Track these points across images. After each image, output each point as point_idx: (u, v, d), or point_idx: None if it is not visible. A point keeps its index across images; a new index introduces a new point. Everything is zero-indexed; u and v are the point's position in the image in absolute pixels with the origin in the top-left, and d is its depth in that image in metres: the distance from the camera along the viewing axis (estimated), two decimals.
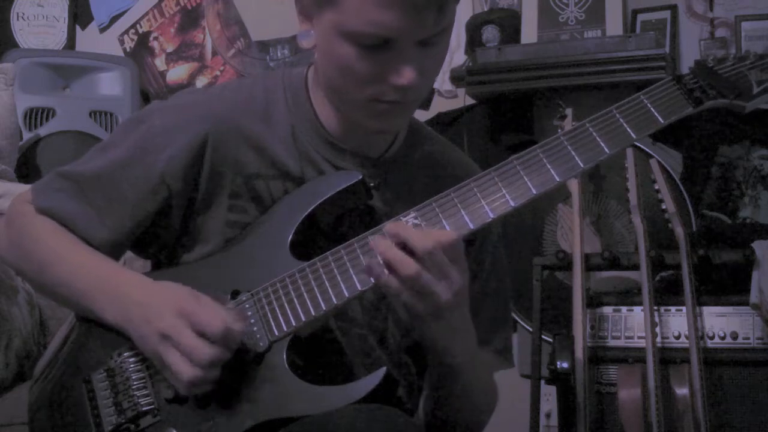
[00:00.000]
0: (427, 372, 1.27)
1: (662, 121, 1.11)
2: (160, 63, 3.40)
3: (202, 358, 1.06)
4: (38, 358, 1.61)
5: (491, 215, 1.09)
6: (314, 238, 1.19)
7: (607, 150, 1.10)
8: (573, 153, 1.10)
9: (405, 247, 1.05)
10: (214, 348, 1.06)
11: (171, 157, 1.20)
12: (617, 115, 1.12)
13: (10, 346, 1.86)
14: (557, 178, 1.09)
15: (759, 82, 1.11)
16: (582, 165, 1.10)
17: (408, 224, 1.10)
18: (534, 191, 1.09)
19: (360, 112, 1.17)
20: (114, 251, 1.24)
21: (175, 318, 1.08)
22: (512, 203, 1.09)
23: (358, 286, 1.10)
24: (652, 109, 1.11)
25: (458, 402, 1.25)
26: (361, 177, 1.18)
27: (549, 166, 1.10)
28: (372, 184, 1.20)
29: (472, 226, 1.09)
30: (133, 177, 1.21)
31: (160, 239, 1.26)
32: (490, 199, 1.10)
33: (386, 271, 1.05)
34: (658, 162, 2.12)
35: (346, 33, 1.08)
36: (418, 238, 1.04)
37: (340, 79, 1.14)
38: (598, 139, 1.11)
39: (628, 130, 1.11)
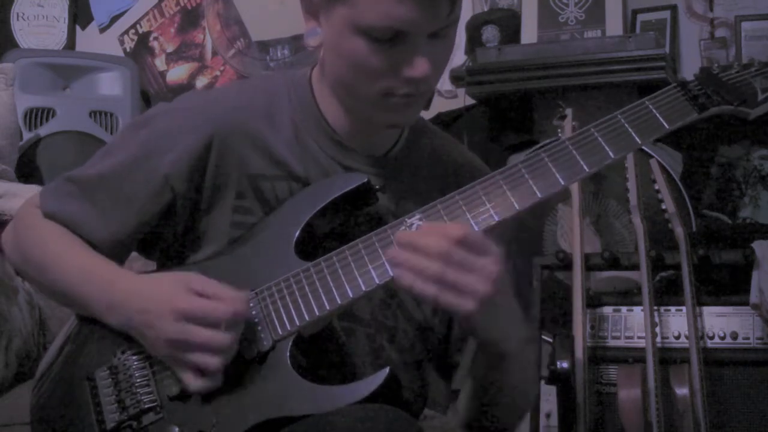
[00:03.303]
0: (472, 367, 1.26)
1: (667, 127, 1.11)
2: (160, 63, 3.41)
3: (222, 344, 1.08)
4: (38, 358, 1.60)
5: (496, 218, 1.10)
6: (319, 239, 1.19)
7: (612, 155, 1.11)
8: (578, 157, 1.11)
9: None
10: (228, 332, 1.08)
11: (175, 159, 1.20)
12: (622, 120, 1.12)
13: (10, 346, 1.86)
14: (562, 182, 1.10)
15: (764, 89, 1.12)
16: (587, 169, 1.11)
17: (413, 227, 1.10)
18: (539, 195, 1.10)
19: (372, 107, 1.17)
20: (117, 251, 1.24)
21: (177, 323, 1.09)
22: (517, 206, 1.10)
23: (363, 287, 1.10)
24: (657, 114, 1.12)
25: (511, 391, 1.24)
26: (367, 179, 1.19)
27: (554, 170, 1.10)
28: (377, 187, 1.20)
29: (476, 229, 1.09)
30: (137, 179, 1.21)
31: (166, 240, 1.26)
32: (495, 201, 1.10)
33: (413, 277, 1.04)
34: (658, 162, 2.12)
35: (358, 27, 1.09)
36: (432, 242, 1.04)
37: (352, 75, 1.15)
38: (603, 143, 1.11)
39: (633, 135, 1.11)
